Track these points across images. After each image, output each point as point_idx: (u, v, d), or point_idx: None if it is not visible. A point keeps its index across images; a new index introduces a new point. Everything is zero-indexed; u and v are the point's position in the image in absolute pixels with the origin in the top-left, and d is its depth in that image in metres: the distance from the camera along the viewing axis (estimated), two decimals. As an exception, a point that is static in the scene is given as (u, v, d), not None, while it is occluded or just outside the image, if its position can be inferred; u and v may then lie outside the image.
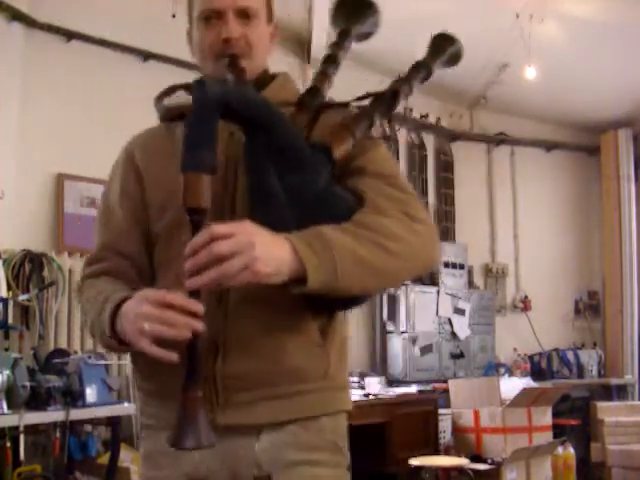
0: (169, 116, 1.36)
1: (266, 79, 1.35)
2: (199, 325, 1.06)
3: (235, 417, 1.19)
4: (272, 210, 1.17)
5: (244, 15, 1.29)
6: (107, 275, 1.29)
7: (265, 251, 1.05)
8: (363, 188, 1.22)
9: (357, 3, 1.45)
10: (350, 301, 1.25)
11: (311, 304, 1.22)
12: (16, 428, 2.90)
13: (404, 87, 1.39)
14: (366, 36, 1.50)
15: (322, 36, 5.11)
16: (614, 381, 6.10)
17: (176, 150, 1.15)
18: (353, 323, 5.24)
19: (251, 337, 1.20)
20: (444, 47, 1.48)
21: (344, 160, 1.25)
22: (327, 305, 1.24)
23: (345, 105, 1.36)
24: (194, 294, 1.07)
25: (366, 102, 1.37)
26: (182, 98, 1.35)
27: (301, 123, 1.27)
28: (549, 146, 6.64)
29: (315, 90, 1.34)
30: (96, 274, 1.31)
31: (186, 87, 1.35)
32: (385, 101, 1.36)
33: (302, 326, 1.23)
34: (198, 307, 1.06)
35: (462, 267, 5.71)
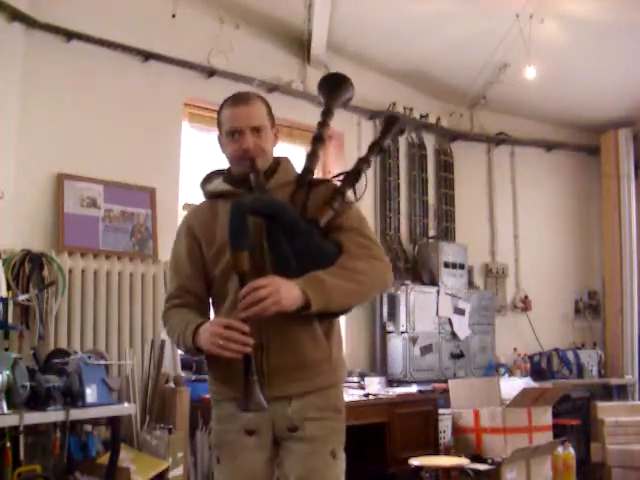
0: (210, 196, 2.04)
1: (274, 166, 2.01)
2: (249, 339, 1.76)
3: (276, 391, 1.87)
4: (285, 265, 1.85)
5: (256, 130, 1.94)
6: (182, 307, 1.99)
7: (286, 293, 1.75)
8: (342, 239, 1.92)
9: (334, 80, 2.16)
10: (338, 314, 1.96)
11: (318, 318, 1.91)
12: (16, 428, 2.89)
13: (364, 166, 2.09)
14: (348, 101, 2.18)
15: (322, 36, 5.11)
16: (614, 381, 6.09)
17: (218, 220, 1.95)
18: (353, 323, 5.25)
19: (282, 341, 1.88)
20: (391, 127, 2.18)
21: (328, 223, 1.92)
22: (326, 317, 1.93)
23: (328, 180, 2.06)
24: (244, 320, 1.77)
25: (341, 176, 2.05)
26: (217, 184, 2.03)
27: (300, 198, 1.95)
28: (549, 146, 6.63)
29: (307, 170, 2.03)
30: (175, 306, 2.01)
31: (222, 173, 2.06)
32: (352, 178, 2.05)
33: (313, 332, 1.92)
34: (247, 328, 1.76)
35: (462, 267, 5.71)
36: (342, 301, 1.86)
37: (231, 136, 1.95)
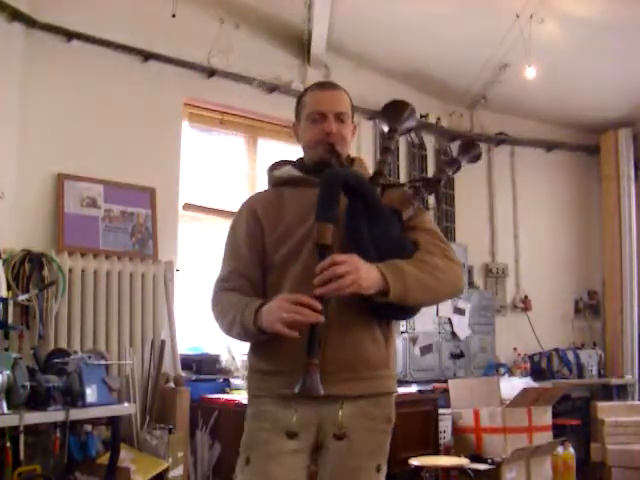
0: (277, 183, 1.96)
1: (348, 161, 1.95)
2: (320, 317, 1.63)
3: (328, 389, 1.68)
4: (363, 248, 1.74)
5: (339, 117, 1.89)
6: (234, 291, 1.85)
7: (366, 273, 1.66)
8: (418, 238, 1.85)
9: (398, 106, 2.10)
10: (405, 314, 1.90)
11: (377, 318, 1.82)
12: (16, 428, 2.89)
13: (443, 176, 2.11)
14: (408, 130, 2.16)
15: (322, 36, 5.11)
16: (614, 381, 6.08)
17: (284, 206, 1.87)
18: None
19: (342, 338, 1.76)
20: (470, 150, 2.24)
21: (406, 221, 1.86)
22: (389, 316, 1.86)
23: (402, 185, 2.00)
24: (317, 298, 1.64)
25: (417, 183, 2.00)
26: (287, 170, 1.96)
27: None
28: (549, 146, 6.63)
29: (380, 172, 1.94)
30: (227, 289, 1.87)
31: (291, 163, 1.98)
32: (431, 185, 2.00)
33: (373, 333, 1.82)
34: (318, 305, 1.63)
35: (462, 267, 5.70)
36: (418, 295, 1.76)
37: (312, 120, 1.89)
